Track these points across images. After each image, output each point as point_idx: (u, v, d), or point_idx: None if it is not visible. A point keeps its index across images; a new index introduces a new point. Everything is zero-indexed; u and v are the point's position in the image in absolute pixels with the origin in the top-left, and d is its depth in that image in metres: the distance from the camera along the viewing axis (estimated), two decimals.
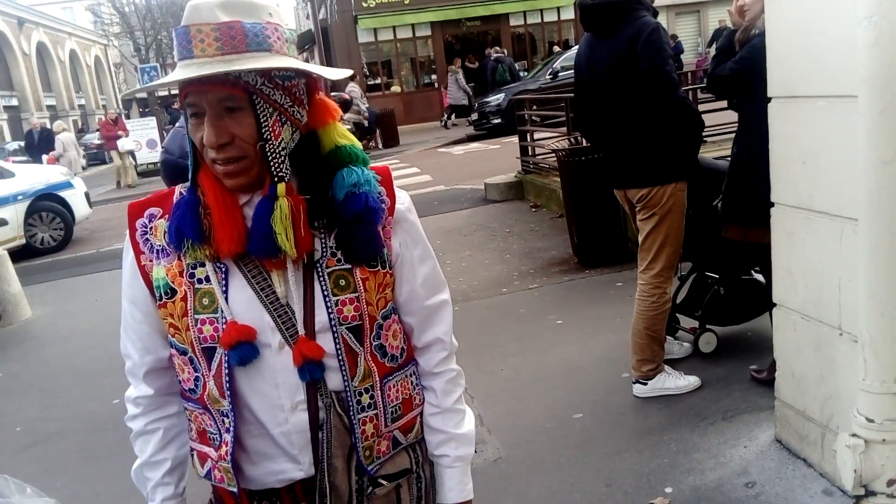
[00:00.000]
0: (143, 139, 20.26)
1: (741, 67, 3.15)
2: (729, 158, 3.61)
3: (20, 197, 10.15)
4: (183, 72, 1.12)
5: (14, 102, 35.33)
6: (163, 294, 1.24)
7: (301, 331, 1.21)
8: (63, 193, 10.86)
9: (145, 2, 36.01)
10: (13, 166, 11.31)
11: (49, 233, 10.67)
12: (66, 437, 4.20)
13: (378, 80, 24.38)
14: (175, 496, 1.36)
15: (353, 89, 16.58)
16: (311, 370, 1.21)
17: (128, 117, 23.15)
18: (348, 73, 1.32)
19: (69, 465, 3.83)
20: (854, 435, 2.21)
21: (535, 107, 9.98)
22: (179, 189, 1.27)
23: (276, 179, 1.18)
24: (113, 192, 18.37)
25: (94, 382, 4.83)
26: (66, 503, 3.43)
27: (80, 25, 46.42)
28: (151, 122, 20.72)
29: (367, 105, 17.61)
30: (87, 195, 11.59)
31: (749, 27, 3.18)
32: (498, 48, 21.67)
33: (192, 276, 1.22)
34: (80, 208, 11.17)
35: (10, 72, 35.40)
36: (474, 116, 18.15)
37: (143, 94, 41.20)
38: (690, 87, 7.57)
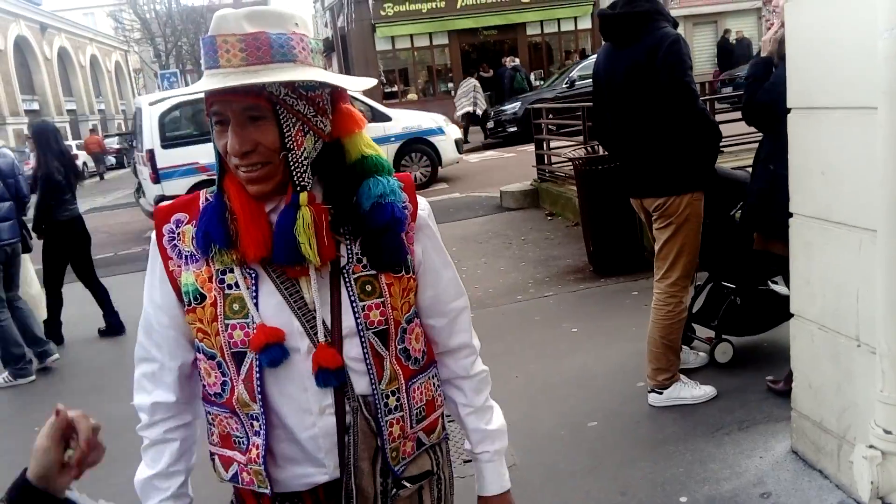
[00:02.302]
0: None
1: (775, 91, 3.13)
2: (749, 169, 3.61)
3: (393, 139, 11.82)
4: (208, 81, 1.14)
5: (35, 106, 35.74)
6: (192, 299, 1.26)
7: (322, 338, 1.23)
8: (433, 138, 12.30)
9: (166, 9, 36.37)
10: (391, 111, 12.69)
11: (419, 170, 12.25)
12: None
13: (395, 88, 24.49)
14: None
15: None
16: (325, 378, 1.22)
17: None
18: (371, 83, 1.33)
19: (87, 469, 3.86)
20: (871, 446, 2.21)
21: (551, 115, 10.00)
22: (205, 194, 1.29)
23: (298, 188, 1.20)
24: (128, 197, 18.49)
25: (114, 384, 4.87)
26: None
27: (101, 31, 46.98)
28: None
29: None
30: (457, 142, 12.80)
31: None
32: (514, 57, 21.70)
33: (221, 281, 1.24)
34: (447, 152, 12.46)
35: (32, 76, 35.83)
36: (490, 125, 18.18)
37: None
38: (707, 97, 7.57)
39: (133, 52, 45.56)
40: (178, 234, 1.28)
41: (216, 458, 1.36)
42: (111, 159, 30.02)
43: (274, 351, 1.21)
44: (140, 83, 52.47)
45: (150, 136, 10.22)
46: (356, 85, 1.27)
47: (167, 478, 1.34)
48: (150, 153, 10.14)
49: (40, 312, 6.94)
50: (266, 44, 1.14)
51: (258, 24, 1.14)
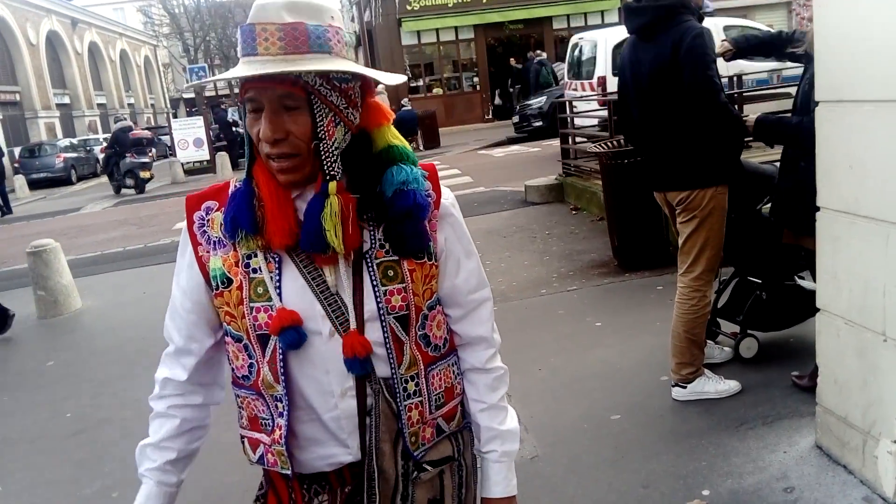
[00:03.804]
0: (189, 138, 20.67)
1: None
2: (777, 164, 3.58)
3: None
4: (246, 68, 1.17)
5: (66, 100, 36.30)
6: (219, 283, 1.29)
7: (353, 323, 1.25)
8: None
9: (195, 3, 36.69)
10: None
11: None
12: (113, 424, 4.33)
13: (420, 82, 24.51)
14: (170, 485, 1.38)
15: (381, 93, 16.81)
16: (355, 364, 1.25)
17: (175, 116, 23.60)
18: (402, 79, 1.35)
19: (116, 451, 3.95)
20: None
21: (577, 109, 9.97)
22: (234, 182, 1.33)
23: (328, 178, 1.22)
24: (160, 189, 18.77)
25: (142, 372, 4.96)
26: (113, 488, 3.57)
27: (131, 26, 47.57)
28: (198, 121, 21.15)
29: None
30: None
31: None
32: (539, 51, 21.64)
33: (247, 265, 1.27)
34: None
35: (63, 70, 36.39)
36: (515, 119, 18.16)
37: (191, 94, 41.86)
38: (735, 91, 7.49)
39: (162, 46, 46.10)
40: (208, 220, 1.32)
41: (245, 440, 1.40)
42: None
43: (290, 334, 1.24)
44: (169, 78, 53.00)
45: (604, 65, 11.97)
46: (390, 79, 1.29)
47: (158, 450, 1.38)
48: (602, 79, 11.97)
49: (72, 302, 7.06)
50: (304, 34, 1.16)
51: (297, 15, 1.17)
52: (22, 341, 6.44)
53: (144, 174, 18.34)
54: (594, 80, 12.32)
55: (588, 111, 10.29)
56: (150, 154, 19.43)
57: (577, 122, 10.12)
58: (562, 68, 16.25)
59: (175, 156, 21.10)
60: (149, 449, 1.38)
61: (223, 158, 19.18)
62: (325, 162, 1.22)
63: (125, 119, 20.04)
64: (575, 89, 12.79)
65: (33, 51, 32.77)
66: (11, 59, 31.59)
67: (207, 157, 20.63)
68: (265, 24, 1.16)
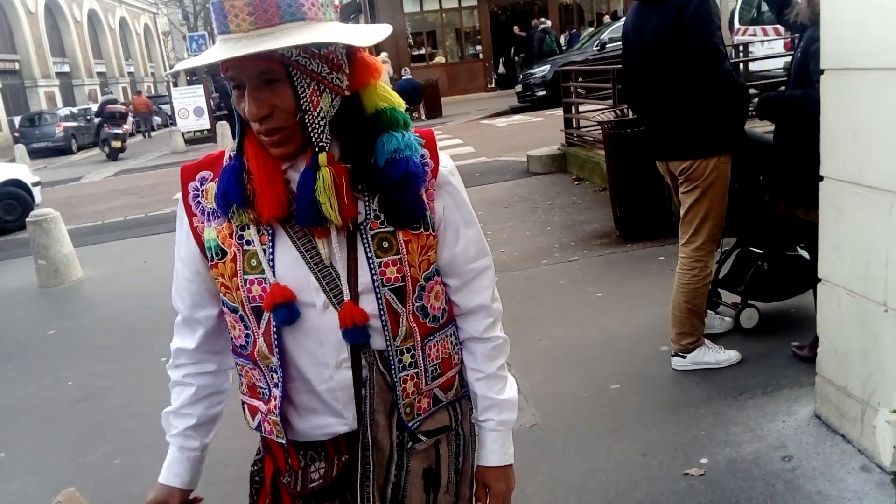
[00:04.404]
0: (190, 107, 20.55)
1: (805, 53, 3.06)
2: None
3: None
4: (220, 48, 1.13)
5: (66, 69, 36.05)
6: (214, 255, 1.28)
7: (347, 294, 1.23)
8: None
9: None
10: None
11: None
12: (115, 392, 4.35)
13: (422, 51, 24.28)
14: (194, 449, 1.43)
15: (385, 62, 16.72)
16: (355, 334, 1.24)
17: (175, 85, 23.47)
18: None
19: (119, 419, 3.98)
20: (895, 411, 2.19)
21: (580, 78, 9.86)
22: (228, 153, 1.30)
23: (316, 149, 1.19)
24: (160, 159, 18.72)
25: (143, 341, 4.99)
26: (116, 455, 3.60)
27: None
28: (198, 89, 21.00)
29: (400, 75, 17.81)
30: None
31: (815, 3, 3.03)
32: (543, 19, 21.40)
33: (240, 238, 1.26)
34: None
35: (63, 39, 36.09)
36: (519, 88, 18.01)
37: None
38: (740, 60, 7.41)
39: (162, 14, 45.61)
40: (202, 191, 1.30)
41: (245, 406, 1.41)
42: (157, 119, 30.53)
43: (283, 312, 1.23)
44: (169, 46, 52.57)
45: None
46: (366, 40, 1.21)
47: (178, 417, 1.43)
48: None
49: (73, 272, 7.09)
50: (273, 4, 1.11)
51: None
52: (23, 310, 6.46)
53: (116, 143, 20.40)
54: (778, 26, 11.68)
55: (768, 56, 9.33)
56: (122, 126, 21.35)
57: (752, 67, 8.67)
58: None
59: (175, 125, 21.02)
60: (171, 416, 1.43)
61: (224, 128, 19.02)
62: (312, 133, 1.19)
63: (111, 93, 23.62)
64: (753, 34, 11.85)
65: (32, 19, 32.47)
66: (10, 27, 31.33)
67: (208, 127, 20.52)
68: (233, 1, 1.11)
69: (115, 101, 23.58)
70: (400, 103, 1.29)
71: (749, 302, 3.91)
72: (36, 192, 11.50)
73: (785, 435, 2.94)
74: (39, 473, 3.55)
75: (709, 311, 3.78)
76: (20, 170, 12.03)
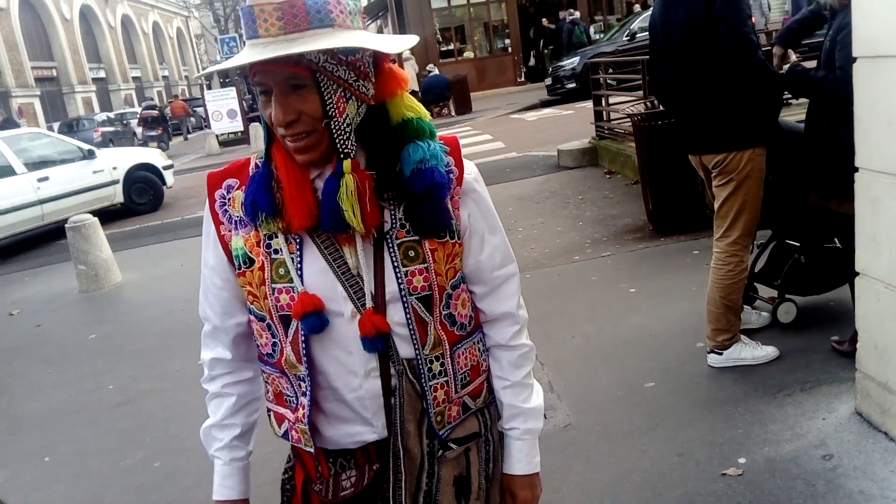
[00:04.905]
0: (223, 109, 20.79)
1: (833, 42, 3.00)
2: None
3: None
4: (249, 53, 1.14)
5: (102, 74, 36.71)
6: (241, 263, 1.29)
7: (369, 302, 1.24)
8: None
9: None
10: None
11: None
12: (155, 395, 4.43)
13: (451, 46, 24.25)
14: (241, 459, 1.43)
15: (409, 59, 16.69)
16: (375, 342, 1.24)
17: (209, 88, 23.81)
18: (412, 41, 1.28)
19: (158, 422, 4.05)
20: None
21: (610, 70, 9.77)
22: (255, 160, 1.31)
23: (341, 156, 1.20)
24: (195, 161, 18.97)
25: (181, 343, 5.07)
26: (156, 457, 3.66)
27: None
28: (231, 92, 21.24)
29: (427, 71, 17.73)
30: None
31: None
32: (572, 10, 21.23)
33: (268, 246, 1.27)
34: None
35: (98, 45, 36.77)
36: (548, 81, 17.88)
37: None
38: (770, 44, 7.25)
39: (193, 17, 46.19)
40: (229, 199, 1.31)
41: (271, 413, 1.42)
42: (192, 121, 31.04)
43: (312, 320, 1.23)
44: (202, 49, 53.24)
45: None
46: (394, 47, 1.22)
47: (222, 429, 1.42)
48: None
49: (112, 276, 7.22)
50: (303, 10, 1.12)
51: None
52: (65, 315, 6.60)
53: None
54: None
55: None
56: (158, 130, 23.94)
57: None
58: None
59: (209, 127, 21.28)
60: (214, 430, 1.42)
61: (257, 129, 19.24)
62: (337, 140, 1.20)
63: (152, 100, 24.48)
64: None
65: (67, 26, 33.12)
66: (47, 35, 32.00)
67: (241, 129, 20.74)
68: (262, 5, 1.12)
69: (154, 108, 25.89)
70: (426, 113, 1.30)
71: (786, 296, 3.83)
72: (168, 174, 12.07)
73: (825, 433, 2.88)
74: (82, 477, 3.62)
75: (745, 306, 3.72)
76: (151, 154, 12.64)
